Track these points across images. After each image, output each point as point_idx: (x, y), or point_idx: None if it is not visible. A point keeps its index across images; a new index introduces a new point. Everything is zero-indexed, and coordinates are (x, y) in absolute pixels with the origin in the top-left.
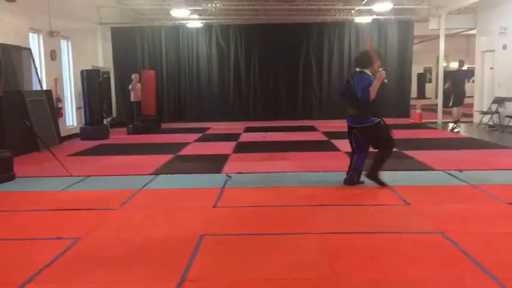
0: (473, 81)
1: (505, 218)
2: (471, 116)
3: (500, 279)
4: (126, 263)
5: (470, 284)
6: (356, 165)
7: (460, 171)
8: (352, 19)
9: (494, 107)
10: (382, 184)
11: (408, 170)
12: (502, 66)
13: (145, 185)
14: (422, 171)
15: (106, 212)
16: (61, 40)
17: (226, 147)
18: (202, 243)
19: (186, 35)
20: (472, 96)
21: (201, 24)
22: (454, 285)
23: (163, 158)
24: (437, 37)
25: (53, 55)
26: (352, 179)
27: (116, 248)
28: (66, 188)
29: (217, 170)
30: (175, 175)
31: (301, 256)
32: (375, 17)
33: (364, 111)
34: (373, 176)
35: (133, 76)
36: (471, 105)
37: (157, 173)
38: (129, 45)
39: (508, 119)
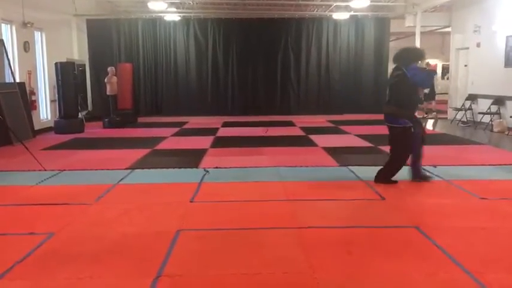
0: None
1: (477, 212)
2: (445, 112)
3: (473, 272)
4: (101, 258)
5: (444, 277)
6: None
7: (435, 166)
8: (330, 15)
9: (467, 104)
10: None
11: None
12: (475, 63)
13: (121, 179)
14: None
15: (80, 207)
16: (35, 32)
17: (204, 141)
18: (178, 239)
19: (163, 28)
20: (447, 93)
21: (179, 18)
22: (428, 278)
23: (140, 153)
24: (413, 34)
25: (26, 47)
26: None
27: (90, 244)
28: (39, 182)
29: (195, 164)
30: (151, 170)
31: (278, 251)
32: (352, 13)
33: (398, 111)
34: (384, 182)
35: (109, 69)
36: (445, 102)
37: (133, 167)
38: (105, 37)
39: (480, 115)
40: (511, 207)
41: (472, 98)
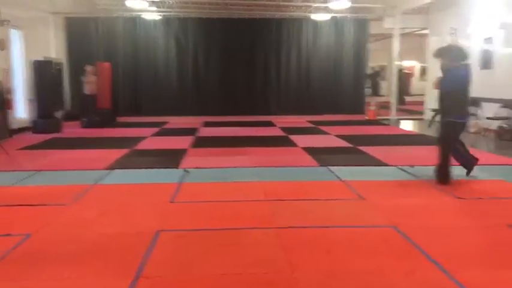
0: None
1: (453, 211)
2: (422, 113)
3: (449, 270)
4: (79, 259)
5: (421, 276)
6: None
7: (412, 166)
8: (310, 16)
9: None
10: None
11: (362, 165)
12: None
13: (100, 180)
14: (376, 167)
15: (58, 207)
16: (11, 29)
17: (184, 141)
18: (158, 239)
19: (143, 27)
20: (424, 94)
21: (159, 17)
22: (406, 277)
23: (119, 153)
24: (391, 36)
25: (2, 45)
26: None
27: (67, 245)
28: (16, 182)
29: (175, 164)
30: (131, 170)
31: (258, 251)
32: (332, 15)
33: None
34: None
35: (88, 68)
36: (422, 103)
37: (112, 167)
38: (83, 36)
39: None
40: (487, 206)
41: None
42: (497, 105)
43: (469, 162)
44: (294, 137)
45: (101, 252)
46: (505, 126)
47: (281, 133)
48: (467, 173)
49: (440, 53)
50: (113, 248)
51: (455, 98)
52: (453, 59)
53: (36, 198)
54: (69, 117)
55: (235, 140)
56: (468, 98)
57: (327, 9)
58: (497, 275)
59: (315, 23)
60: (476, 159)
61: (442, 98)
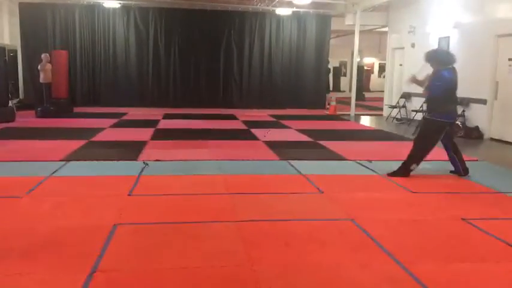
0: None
1: (409, 205)
2: (381, 109)
3: (404, 263)
4: (31, 254)
5: (377, 268)
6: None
7: (370, 161)
8: (273, 10)
9: (402, 102)
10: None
11: (322, 160)
12: (410, 63)
13: (55, 171)
14: (335, 161)
15: (9, 200)
16: None
17: (144, 133)
18: (115, 233)
19: (102, 15)
20: (383, 91)
21: (119, 5)
22: (363, 269)
23: (75, 144)
24: (352, 32)
25: None
26: (465, 169)
27: (19, 238)
28: None
29: (134, 157)
30: (87, 162)
31: (218, 244)
32: (294, 9)
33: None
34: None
35: (42, 56)
36: (381, 99)
37: (68, 159)
38: (39, 22)
39: (414, 113)
40: (441, 200)
41: (406, 96)
42: None
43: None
44: (255, 131)
45: (55, 247)
46: (458, 123)
47: (243, 126)
48: (460, 174)
49: (429, 57)
50: (68, 242)
51: (441, 98)
52: (440, 62)
53: None
54: (23, 106)
55: (196, 132)
56: (455, 98)
57: (289, 4)
58: (451, 268)
59: (278, 17)
60: (465, 171)
61: (429, 98)
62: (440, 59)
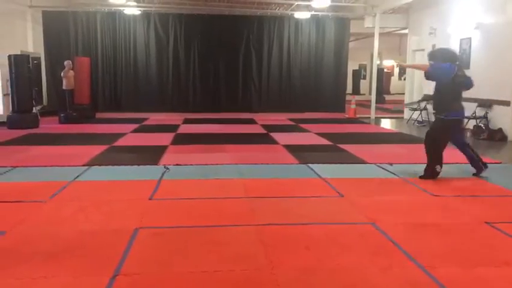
0: (404, 79)
1: (430, 209)
2: (402, 112)
3: (426, 266)
4: (55, 257)
5: (398, 272)
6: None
7: (391, 164)
8: (292, 14)
9: (423, 104)
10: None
11: (342, 163)
12: None
13: (77, 176)
14: (355, 164)
15: (34, 204)
16: None
17: (165, 138)
18: (137, 236)
19: (123, 22)
20: (403, 93)
21: (139, 12)
22: (383, 273)
23: (97, 149)
24: (372, 35)
25: None
26: (479, 168)
27: (44, 242)
28: None
29: (155, 161)
30: (109, 166)
31: (238, 248)
32: (313, 13)
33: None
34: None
35: (65, 63)
36: (402, 102)
37: (90, 164)
38: (61, 30)
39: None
40: (462, 204)
41: (428, 98)
42: (474, 104)
43: (476, 165)
44: (274, 135)
45: (78, 250)
46: (481, 125)
47: (262, 130)
48: (475, 174)
49: (434, 55)
50: (91, 246)
51: (449, 97)
52: (444, 60)
53: (11, 195)
54: (46, 112)
55: (216, 137)
56: (459, 95)
57: (308, 8)
58: (474, 272)
59: (297, 21)
60: (483, 167)
61: (434, 96)
62: (444, 55)
